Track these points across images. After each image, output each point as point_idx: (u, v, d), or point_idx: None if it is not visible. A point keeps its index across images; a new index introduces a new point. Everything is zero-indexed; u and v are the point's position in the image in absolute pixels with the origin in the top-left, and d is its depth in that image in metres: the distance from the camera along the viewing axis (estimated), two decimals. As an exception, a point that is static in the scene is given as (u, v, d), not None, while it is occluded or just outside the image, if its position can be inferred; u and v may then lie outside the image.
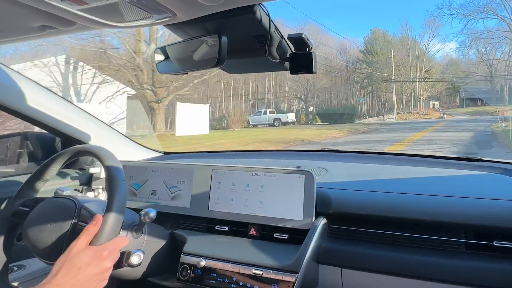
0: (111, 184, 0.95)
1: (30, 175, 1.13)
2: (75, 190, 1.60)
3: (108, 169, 0.97)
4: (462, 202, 1.08)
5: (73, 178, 1.62)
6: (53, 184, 1.41)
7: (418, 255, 1.04)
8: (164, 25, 0.91)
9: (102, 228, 0.90)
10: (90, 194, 1.63)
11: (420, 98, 48.20)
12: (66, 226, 0.96)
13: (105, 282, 0.88)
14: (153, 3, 0.74)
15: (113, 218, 0.91)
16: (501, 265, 0.96)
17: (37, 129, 1.61)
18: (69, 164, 1.38)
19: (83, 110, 1.66)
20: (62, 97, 1.60)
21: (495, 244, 0.99)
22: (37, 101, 1.44)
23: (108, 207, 0.92)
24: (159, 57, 1.08)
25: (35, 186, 1.12)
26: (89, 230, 0.89)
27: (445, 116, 39.66)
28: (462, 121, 29.28)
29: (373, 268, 1.07)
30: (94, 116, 1.71)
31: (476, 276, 0.96)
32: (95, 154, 1.02)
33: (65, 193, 1.11)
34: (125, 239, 0.95)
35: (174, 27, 0.94)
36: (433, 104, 52.05)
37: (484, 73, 51.16)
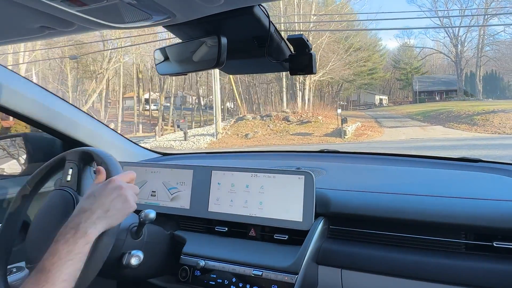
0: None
1: (30, 176, 1.13)
2: None
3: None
4: (462, 203, 1.08)
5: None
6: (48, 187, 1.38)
7: (418, 256, 1.04)
8: (164, 26, 0.91)
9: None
10: None
11: (304, 84, 25.27)
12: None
13: (130, 204, 0.87)
14: (153, 4, 0.74)
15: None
16: (501, 265, 0.96)
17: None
18: None
19: (81, 110, 1.66)
20: (60, 98, 1.60)
21: (495, 244, 0.99)
22: (35, 101, 1.44)
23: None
24: (159, 58, 1.08)
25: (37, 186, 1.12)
26: (101, 176, 0.92)
27: (347, 129, 16.76)
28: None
29: (373, 269, 1.07)
30: (93, 117, 1.71)
31: (476, 277, 0.96)
32: (103, 163, 1.00)
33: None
34: (132, 172, 0.95)
35: (174, 28, 0.94)
36: (380, 99, 40.96)
37: (442, 50, 37.90)
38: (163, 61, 1.09)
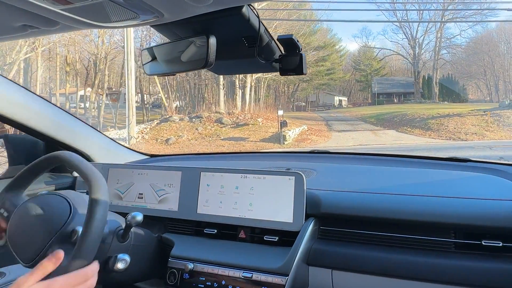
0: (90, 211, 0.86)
1: (11, 179, 1.09)
2: None
3: (92, 202, 0.87)
4: (451, 202, 1.09)
5: (48, 183, 1.56)
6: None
7: (408, 255, 1.05)
8: (151, 26, 0.89)
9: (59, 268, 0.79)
10: None
11: (244, 82, 22.17)
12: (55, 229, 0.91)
13: None
14: (140, 3, 0.72)
15: (78, 263, 0.82)
16: (490, 264, 0.97)
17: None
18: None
19: (67, 112, 1.62)
20: (45, 99, 1.55)
21: (483, 243, 1.00)
22: (19, 102, 1.40)
23: (80, 243, 0.83)
24: (146, 58, 1.06)
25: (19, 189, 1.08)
26: (45, 267, 0.77)
27: (287, 134, 15.40)
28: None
29: (364, 269, 1.07)
30: (79, 119, 1.68)
31: (466, 276, 0.97)
32: (83, 175, 0.91)
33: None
34: (85, 274, 0.81)
35: (162, 27, 0.93)
36: (340, 101, 40.47)
37: (401, 52, 38.62)
38: (150, 61, 1.07)
